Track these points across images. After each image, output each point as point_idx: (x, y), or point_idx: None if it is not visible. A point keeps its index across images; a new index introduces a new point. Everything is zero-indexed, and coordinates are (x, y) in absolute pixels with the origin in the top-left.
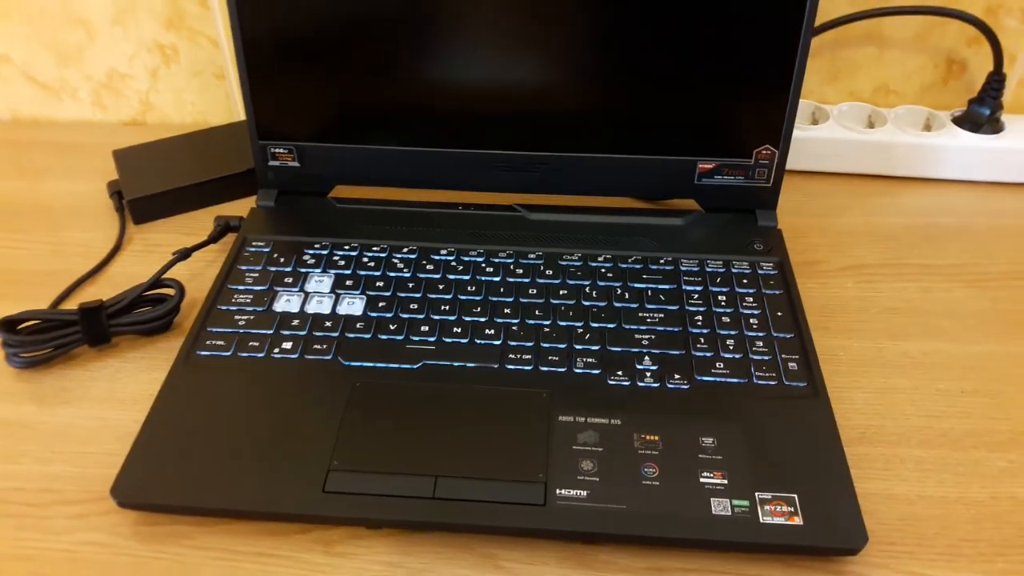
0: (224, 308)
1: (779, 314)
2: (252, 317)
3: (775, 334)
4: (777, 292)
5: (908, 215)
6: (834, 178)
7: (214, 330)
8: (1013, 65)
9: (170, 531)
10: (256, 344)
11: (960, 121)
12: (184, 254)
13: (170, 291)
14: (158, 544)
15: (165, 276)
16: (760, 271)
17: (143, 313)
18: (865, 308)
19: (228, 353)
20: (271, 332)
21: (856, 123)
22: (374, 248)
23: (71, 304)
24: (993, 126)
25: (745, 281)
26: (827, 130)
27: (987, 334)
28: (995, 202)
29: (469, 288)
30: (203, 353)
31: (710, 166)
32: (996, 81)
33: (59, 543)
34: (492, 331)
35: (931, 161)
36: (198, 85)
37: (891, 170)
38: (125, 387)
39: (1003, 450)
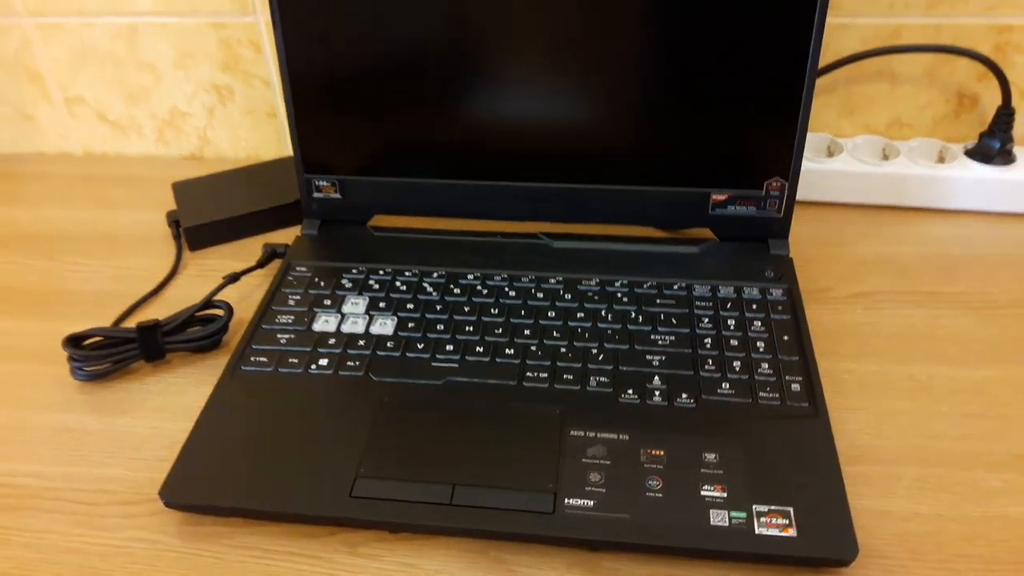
0: (268, 327)
1: (785, 338)
2: (293, 336)
3: (780, 357)
4: (785, 317)
5: (920, 245)
6: (849, 209)
7: (258, 347)
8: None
9: (211, 531)
10: (295, 360)
11: (972, 153)
12: (233, 278)
13: (219, 312)
14: (200, 542)
15: (215, 298)
16: (769, 297)
17: (195, 332)
18: (873, 333)
19: (270, 369)
20: (309, 350)
21: (871, 156)
22: (406, 273)
23: (130, 323)
24: (1004, 158)
25: (754, 306)
26: (842, 163)
27: (992, 360)
28: (1006, 232)
29: (492, 310)
30: (247, 368)
31: (723, 197)
32: (1005, 115)
33: (111, 539)
34: (512, 351)
35: (943, 192)
36: (251, 123)
37: (904, 201)
38: (176, 399)
39: (999, 471)
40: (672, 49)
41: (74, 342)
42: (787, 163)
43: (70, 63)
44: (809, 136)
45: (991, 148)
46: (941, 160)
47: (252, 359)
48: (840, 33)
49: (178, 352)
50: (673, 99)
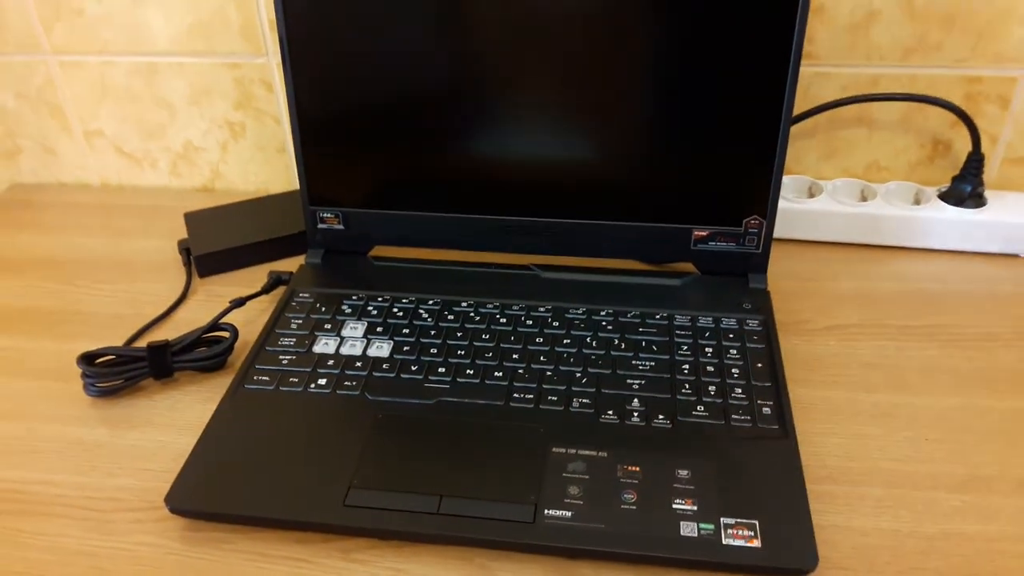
0: (271, 349)
1: (759, 365)
2: (294, 357)
3: (754, 382)
4: (760, 346)
5: (894, 281)
6: (828, 247)
7: (261, 367)
8: (995, 145)
9: (213, 536)
10: (296, 380)
11: (945, 196)
12: (239, 302)
13: (225, 334)
14: (202, 547)
15: (222, 321)
16: (746, 327)
17: (202, 352)
18: (844, 363)
19: (272, 387)
20: (309, 370)
21: (849, 197)
22: (403, 300)
23: (141, 343)
24: (975, 201)
25: (731, 336)
26: (822, 203)
27: (956, 389)
28: (976, 270)
29: (483, 336)
30: (250, 387)
31: (705, 233)
32: (975, 161)
33: (119, 543)
34: (500, 373)
35: (917, 232)
36: (262, 158)
37: (881, 240)
38: (183, 415)
39: (959, 491)
40: (658, 95)
41: (88, 359)
42: (764, 202)
43: (91, 99)
44: (791, 178)
45: (963, 191)
46: (916, 202)
47: (255, 378)
48: (821, 81)
49: (185, 371)
50: (659, 142)
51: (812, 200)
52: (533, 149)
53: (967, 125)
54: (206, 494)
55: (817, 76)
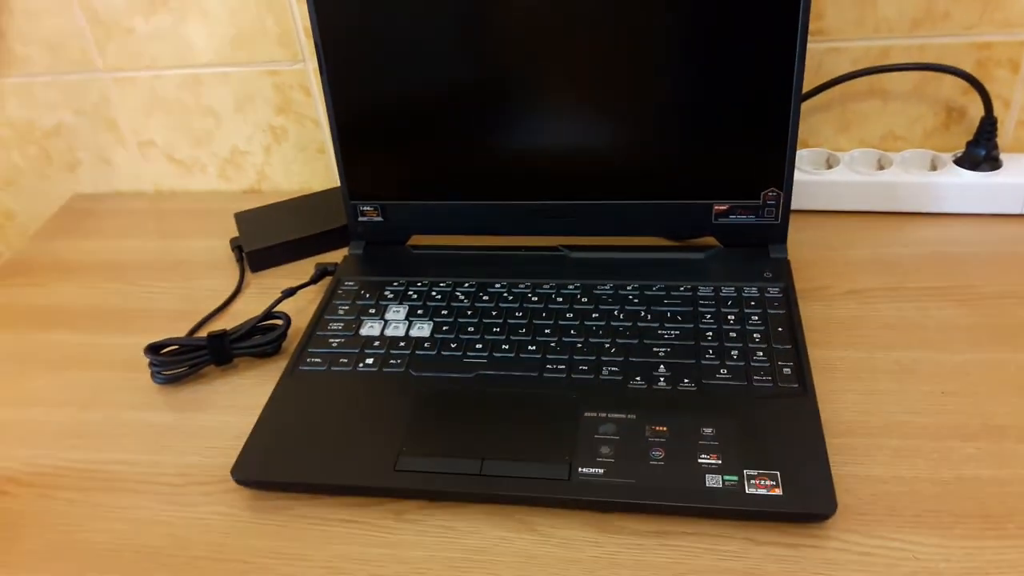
0: (321, 334)
1: (779, 329)
2: (343, 340)
3: (774, 345)
4: (780, 312)
5: (913, 246)
6: (847, 216)
7: (313, 351)
8: (1008, 109)
9: (276, 504)
10: (345, 360)
11: (960, 161)
12: (290, 292)
13: (279, 322)
14: (266, 514)
15: (275, 310)
16: (767, 295)
17: (258, 339)
18: (863, 325)
19: (324, 368)
20: (357, 351)
21: (867, 167)
22: (441, 284)
23: (202, 334)
24: (991, 164)
25: (753, 303)
26: (840, 174)
27: (973, 344)
28: (992, 232)
29: (517, 314)
30: (304, 368)
31: (725, 207)
32: (988, 125)
33: (192, 513)
34: (534, 347)
35: (934, 197)
36: (303, 158)
37: (898, 207)
38: (243, 397)
39: (973, 440)
40: (674, 78)
41: (154, 350)
42: (780, 175)
43: (142, 111)
44: (809, 151)
45: (978, 155)
46: (933, 168)
47: (308, 360)
48: (833, 56)
49: (244, 357)
50: (676, 122)
51: (830, 171)
52: (558, 136)
53: (978, 91)
54: (268, 466)
55: (829, 51)
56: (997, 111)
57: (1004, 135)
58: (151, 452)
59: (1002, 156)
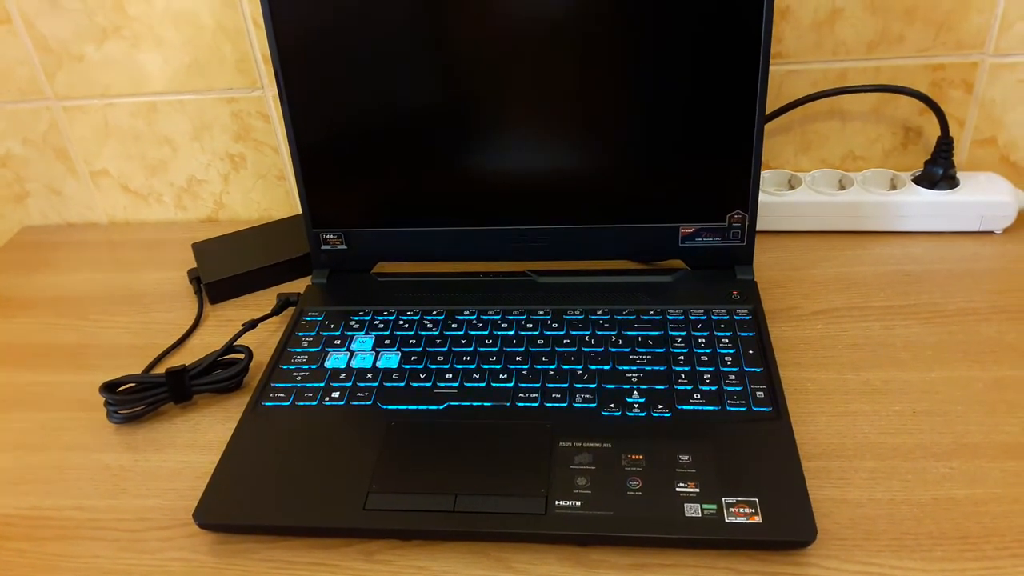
0: (285, 367)
1: (750, 352)
2: (307, 373)
3: (746, 368)
4: (750, 334)
5: (876, 264)
6: (810, 236)
7: (277, 385)
8: (962, 129)
9: (240, 548)
10: (310, 395)
11: (919, 180)
12: (251, 325)
13: (240, 356)
14: (230, 558)
15: (236, 343)
16: (736, 317)
17: (218, 375)
18: (832, 345)
19: (288, 403)
20: (323, 385)
21: (828, 187)
22: (408, 313)
23: (159, 370)
24: (948, 183)
25: (723, 326)
26: (802, 194)
27: (941, 362)
28: (952, 249)
29: (487, 341)
30: (267, 404)
31: (691, 230)
32: (945, 144)
33: (152, 560)
34: (505, 376)
35: (895, 216)
36: (263, 186)
37: (860, 226)
38: (204, 436)
39: (947, 459)
40: (639, 104)
41: (109, 388)
42: (745, 197)
43: (95, 140)
44: (771, 172)
45: (935, 174)
46: (892, 187)
47: (271, 395)
48: (792, 78)
49: (204, 394)
50: (642, 147)
51: (792, 192)
52: (523, 162)
53: (934, 111)
54: (232, 508)
55: (788, 74)
56: (952, 131)
57: (960, 154)
58: (107, 496)
59: (959, 175)
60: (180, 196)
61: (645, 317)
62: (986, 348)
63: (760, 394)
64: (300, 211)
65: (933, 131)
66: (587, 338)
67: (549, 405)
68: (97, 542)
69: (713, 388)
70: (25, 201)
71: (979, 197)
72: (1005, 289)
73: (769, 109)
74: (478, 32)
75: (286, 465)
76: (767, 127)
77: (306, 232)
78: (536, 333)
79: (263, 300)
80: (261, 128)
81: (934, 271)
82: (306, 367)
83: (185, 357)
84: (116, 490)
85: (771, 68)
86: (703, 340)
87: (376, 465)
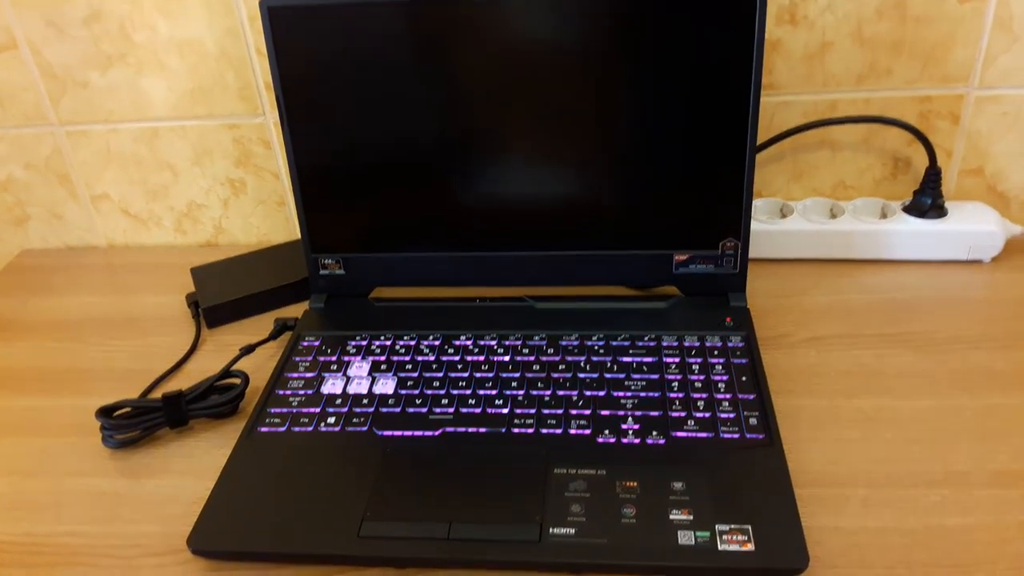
0: (281, 392)
1: (743, 379)
2: (303, 398)
3: (739, 395)
4: (743, 361)
5: (867, 292)
6: (801, 264)
7: (273, 410)
8: (950, 159)
9: (234, 574)
10: (306, 420)
11: (909, 209)
12: (248, 350)
13: (237, 381)
14: None
15: (233, 368)
16: (729, 344)
17: (215, 400)
18: (824, 373)
19: (283, 429)
20: (318, 410)
21: (820, 215)
22: (405, 338)
23: (156, 394)
24: (937, 212)
25: (716, 352)
26: (794, 223)
27: (931, 391)
28: (942, 278)
29: (483, 367)
30: (263, 429)
31: (685, 257)
32: (933, 175)
33: None
34: (501, 401)
35: (885, 244)
36: (262, 211)
37: (851, 254)
38: (199, 461)
39: (937, 487)
40: (633, 134)
41: (105, 413)
42: (738, 225)
43: (97, 165)
44: (763, 201)
45: (924, 204)
46: (883, 216)
47: (267, 421)
48: (783, 109)
49: (200, 418)
50: (636, 176)
51: (784, 220)
52: (520, 190)
53: (922, 142)
54: (226, 534)
55: (780, 105)
56: (940, 161)
57: (948, 183)
58: (101, 522)
59: (947, 204)
60: (180, 220)
61: (640, 343)
62: (976, 376)
63: (753, 421)
64: (299, 236)
65: (922, 161)
66: (582, 364)
67: (544, 431)
68: (91, 568)
69: (707, 415)
70: (25, 224)
71: (967, 227)
72: (994, 318)
73: (761, 139)
74: (476, 62)
75: (281, 491)
76: (759, 156)
77: (305, 257)
78: (532, 359)
79: (261, 325)
80: (262, 154)
81: (924, 299)
82: (302, 392)
83: (182, 381)
84: (110, 516)
85: (763, 99)
86: (697, 366)
87: (371, 492)
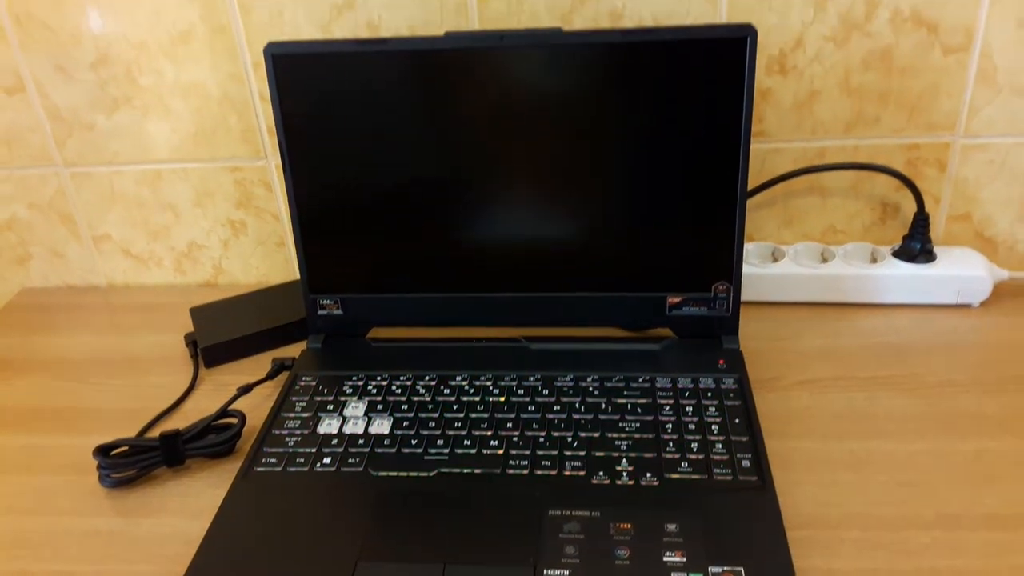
0: (277, 432)
1: (736, 421)
2: (300, 438)
3: (732, 438)
4: (736, 403)
5: (858, 336)
6: (794, 307)
7: (269, 450)
8: (938, 205)
9: None
10: (302, 460)
11: (898, 254)
12: (246, 389)
13: (234, 420)
14: None
15: (230, 408)
16: (722, 386)
17: (212, 439)
18: (816, 415)
19: (279, 468)
20: (314, 450)
21: (810, 259)
22: (401, 378)
23: (153, 433)
24: (926, 257)
25: (709, 395)
26: (785, 267)
27: (922, 434)
28: (931, 322)
29: (479, 407)
30: (259, 469)
31: (678, 300)
32: (921, 220)
33: None
34: (496, 442)
35: (876, 289)
36: (262, 252)
37: (842, 298)
38: (196, 501)
39: (928, 529)
40: (628, 179)
41: (103, 451)
42: (730, 268)
43: (100, 206)
44: (755, 245)
45: (913, 249)
46: (873, 261)
47: (263, 460)
48: (774, 156)
49: (197, 458)
50: (631, 219)
51: (776, 264)
52: (516, 233)
53: (910, 188)
54: (222, 574)
55: (770, 152)
56: (928, 207)
57: (936, 229)
58: (96, 561)
59: (936, 249)
60: (180, 260)
61: (634, 384)
62: (966, 420)
63: (746, 463)
64: (297, 277)
65: (910, 207)
66: (577, 404)
67: (539, 472)
68: None
69: (700, 456)
70: (27, 263)
71: (956, 271)
72: (983, 362)
73: (752, 185)
74: (474, 109)
75: (276, 532)
76: (751, 202)
77: (303, 297)
78: (527, 399)
79: (259, 364)
80: (263, 196)
81: (914, 343)
82: (299, 432)
83: (179, 421)
84: (105, 555)
85: (753, 146)
86: (690, 408)
87: (365, 533)
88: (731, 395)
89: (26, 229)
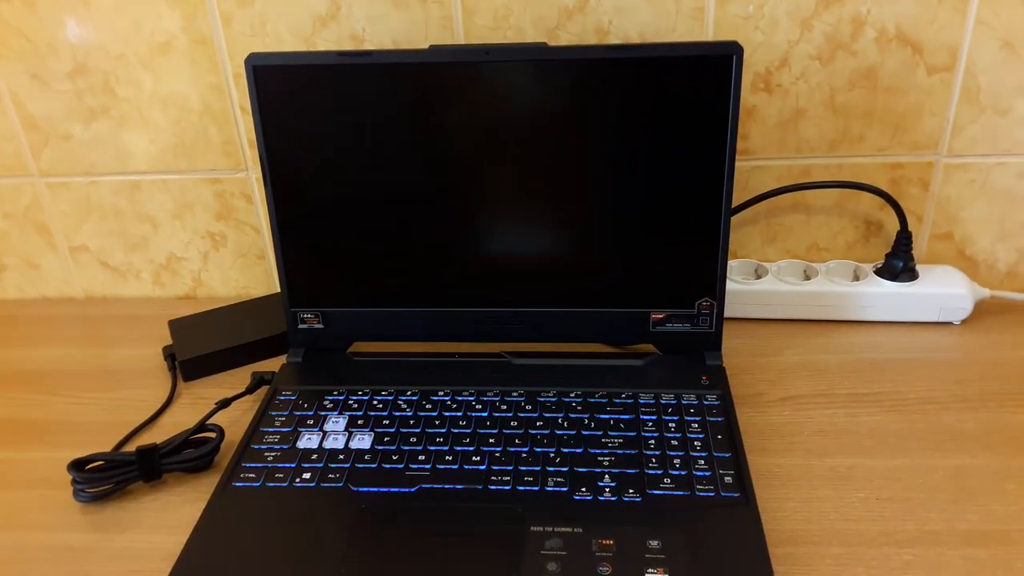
0: (256, 447)
1: (719, 437)
2: (279, 453)
3: (715, 454)
4: (719, 419)
5: (840, 352)
6: (777, 323)
7: (247, 465)
8: (921, 224)
9: None
10: (281, 475)
11: (881, 272)
12: (225, 403)
13: (212, 435)
14: None
15: (208, 422)
16: (705, 402)
17: (189, 453)
18: (798, 432)
19: (258, 484)
20: (294, 465)
21: (793, 276)
22: (382, 393)
23: (130, 448)
24: (908, 275)
25: (692, 411)
26: (768, 283)
27: (903, 450)
28: (913, 339)
29: (461, 423)
30: (238, 484)
31: (662, 316)
32: (904, 238)
33: None
34: (478, 458)
35: (858, 306)
36: (242, 264)
37: (825, 315)
38: (172, 516)
39: (909, 546)
40: (612, 195)
41: (78, 466)
42: (713, 285)
43: (76, 216)
44: (738, 262)
45: (896, 267)
46: (855, 278)
47: (242, 475)
48: (758, 173)
49: (174, 472)
50: (615, 236)
51: (759, 281)
52: (500, 248)
53: (893, 207)
54: None
55: (755, 169)
56: (911, 225)
57: (919, 247)
58: None
59: (918, 267)
60: (158, 273)
61: (617, 400)
62: (946, 437)
63: (728, 479)
64: (278, 290)
65: (893, 225)
66: (560, 420)
67: (521, 488)
68: None
69: (683, 473)
70: (1, 275)
71: (937, 289)
72: (964, 379)
73: (736, 202)
74: (457, 123)
75: (254, 548)
76: (735, 219)
77: (284, 311)
78: (510, 415)
79: (238, 378)
80: (243, 208)
81: (896, 360)
82: (278, 447)
83: (157, 435)
84: (79, 572)
85: (738, 164)
86: (673, 424)
87: (346, 548)
88: (714, 411)
89: (0, 239)
